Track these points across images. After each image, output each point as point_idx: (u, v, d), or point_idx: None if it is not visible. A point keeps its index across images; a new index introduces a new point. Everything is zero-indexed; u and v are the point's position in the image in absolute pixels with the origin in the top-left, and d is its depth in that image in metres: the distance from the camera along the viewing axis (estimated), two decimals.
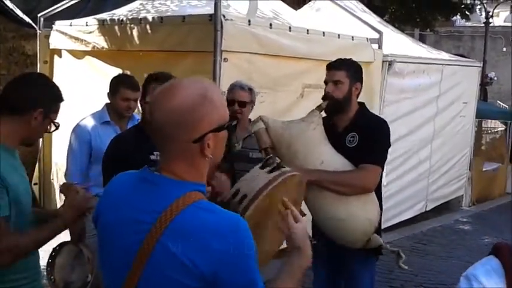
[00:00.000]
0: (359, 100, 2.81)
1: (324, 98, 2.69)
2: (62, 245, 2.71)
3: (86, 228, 2.96)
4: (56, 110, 2.02)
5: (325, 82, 2.73)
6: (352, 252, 2.65)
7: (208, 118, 1.25)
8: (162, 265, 1.20)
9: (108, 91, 3.39)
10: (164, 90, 1.27)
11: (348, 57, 2.83)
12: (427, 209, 6.84)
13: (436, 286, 4.80)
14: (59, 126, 2.04)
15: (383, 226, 5.86)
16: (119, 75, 3.61)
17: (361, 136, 2.63)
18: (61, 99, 2.04)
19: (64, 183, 2.51)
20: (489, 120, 11.28)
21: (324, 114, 2.74)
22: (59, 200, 4.94)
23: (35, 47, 5.69)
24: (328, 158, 2.55)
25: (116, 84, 3.32)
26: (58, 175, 5.17)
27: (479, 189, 8.40)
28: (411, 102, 6.00)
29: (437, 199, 7.07)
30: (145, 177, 1.30)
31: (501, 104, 15.94)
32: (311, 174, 2.45)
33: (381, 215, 2.67)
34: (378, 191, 2.73)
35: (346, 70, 2.68)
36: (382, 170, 2.66)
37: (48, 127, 2.01)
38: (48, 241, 1.99)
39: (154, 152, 2.51)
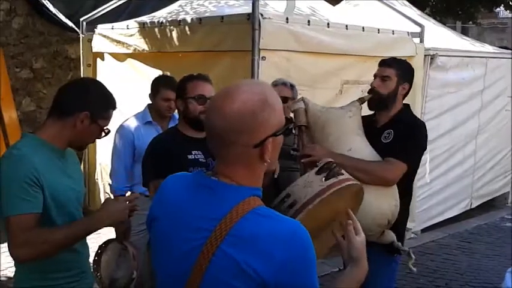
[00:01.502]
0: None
1: (369, 92, 2.74)
2: (107, 242, 2.78)
3: (130, 226, 3.04)
4: (106, 117, 2.03)
5: (374, 76, 2.77)
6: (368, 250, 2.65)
7: (268, 123, 1.24)
8: (222, 272, 1.19)
9: (149, 92, 3.46)
10: (223, 94, 1.26)
11: (388, 57, 2.87)
12: (472, 207, 6.65)
13: (483, 285, 4.67)
14: (109, 132, 2.06)
15: (427, 224, 5.84)
16: (159, 77, 3.69)
17: (396, 133, 2.65)
18: (112, 107, 2.05)
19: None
20: None
21: (366, 108, 2.78)
22: (103, 198, 5.07)
23: (78, 51, 5.86)
24: (356, 147, 2.59)
25: (157, 85, 3.40)
26: (102, 175, 5.31)
27: None
28: (455, 96, 5.84)
29: (482, 196, 6.86)
30: (201, 182, 1.30)
31: None
32: (334, 156, 2.46)
33: (406, 218, 2.77)
34: (407, 195, 2.74)
35: (396, 68, 2.72)
36: (411, 168, 2.62)
37: (100, 133, 2.03)
38: (79, 239, 1.99)
39: (192, 152, 2.55)
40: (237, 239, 1.19)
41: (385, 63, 2.76)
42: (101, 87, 2.08)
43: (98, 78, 5.27)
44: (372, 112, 2.85)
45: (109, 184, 3.58)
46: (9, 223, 1.83)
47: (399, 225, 2.69)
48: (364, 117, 2.83)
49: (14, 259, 1.91)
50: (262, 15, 3.79)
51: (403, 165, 2.58)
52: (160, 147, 2.58)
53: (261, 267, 1.16)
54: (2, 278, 4.17)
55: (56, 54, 6.99)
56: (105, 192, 5.28)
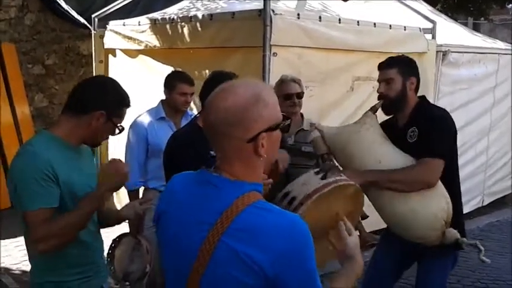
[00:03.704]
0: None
1: (379, 98, 2.67)
2: (121, 236, 2.82)
3: (144, 220, 3.07)
4: (120, 115, 2.05)
5: (379, 82, 2.70)
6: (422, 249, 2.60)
7: (261, 118, 1.28)
8: (224, 264, 1.23)
9: (164, 88, 3.46)
10: (219, 91, 1.31)
11: (399, 53, 2.82)
12: (484, 204, 6.61)
13: (494, 282, 4.65)
14: (123, 130, 2.08)
15: None
16: (174, 72, 3.69)
17: (421, 130, 2.57)
18: (126, 105, 2.07)
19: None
20: None
21: (383, 114, 2.72)
22: (115, 195, 5.11)
23: (90, 47, 5.89)
24: (386, 157, 2.50)
25: (173, 80, 3.41)
26: None
27: None
28: (467, 93, 5.80)
29: (494, 193, 6.81)
30: (205, 178, 1.34)
31: None
32: (366, 175, 2.41)
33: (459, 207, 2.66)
34: (453, 184, 2.66)
35: (396, 67, 2.63)
36: (446, 161, 2.50)
37: (114, 130, 2.04)
38: (85, 221, 1.95)
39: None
40: (238, 231, 1.22)
41: (384, 65, 2.68)
42: (116, 85, 2.09)
43: (110, 75, 5.31)
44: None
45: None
46: (28, 217, 1.87)
47: (456, 218, 2.57)
48: (384, 122, 2.78)
49: (36, 252, 1.93)
50: (273, 11, 3.79)
51: (440, 161, 2.47)
52: (184, 143, 2.57)
53: (261, 258, 1.20)
54: (17, 272, 4.23)
55: (68, 51, 7.04)
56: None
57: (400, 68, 2.63)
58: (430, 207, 2.42)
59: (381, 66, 2.70)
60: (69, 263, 2.01)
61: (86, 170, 2.08)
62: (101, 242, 2.23)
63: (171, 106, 3.44)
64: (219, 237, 1.23)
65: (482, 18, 12.76)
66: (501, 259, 5.20)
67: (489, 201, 6.71)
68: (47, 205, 1.87)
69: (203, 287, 1.26)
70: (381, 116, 2.75)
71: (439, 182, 2.50)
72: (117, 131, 2.05)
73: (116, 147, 5.01)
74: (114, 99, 2.02)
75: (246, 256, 1.20)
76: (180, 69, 4.20)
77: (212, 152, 2.52)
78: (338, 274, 1.44)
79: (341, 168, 2.47)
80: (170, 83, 3.41)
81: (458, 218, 2.75)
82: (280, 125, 1.33)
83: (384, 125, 2.73)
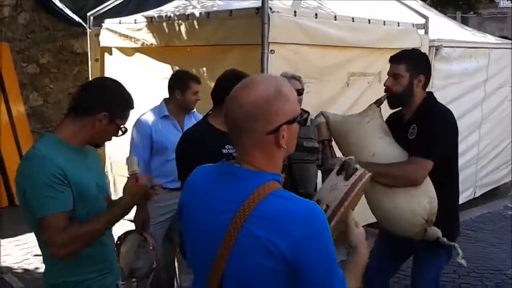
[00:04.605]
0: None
1: (385, 91, 2.70)
2: (126, 233, 2.85)
3: (149, 217, 3.11)
4: (123, 116, 2.05)
5: (388, 74, 2.72)
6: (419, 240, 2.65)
7: (282, 111, 1.34)
8: (247, 249, 1.29)
9: (173, 88, 3.45)
10: (241, 86, 1.37)
11: (393, 49, 2.82)
12: (476, 196, 6.72)
13: (489, 272, 4.74)
14: (126, 131, 2.09)
15: None
16: (183, 72, 3.64)
17: (419, 128, 2.61)
18: (129, 107, 2.08)
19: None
20: None
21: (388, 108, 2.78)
22: (113, 191, 5.13)
23: (84, 45, 5.90)
24: (379, 151, 2.56)
25: (186, 81, 3.41)
26: (112, 168, 5.36)
27: None
28: (459, 87, 5.88)
29: (486, 185, 6.93)
30: (226, 170, 1.41)
31: None
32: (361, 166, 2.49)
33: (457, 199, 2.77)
34: (454, 179, 2.74)
35: (406, 63, 2.64)
36: (439, 161, 2.54)
37: (117, 132, 2.05)
38: (107, 229, 2.04)
39: (226, 146, 2.60)
40: (259, 218, 1.29)
41: (394, 60, 2.69)
42: (119, 87, 2.09)
43: (106, 73, 5.32)
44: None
45: (127, 177, 3.63)
46: (44, 223, 1.87)
47: (449, 214, 2.65)
48: (394, 113, 2.83)
49: (56, 257, 1.94)
50: (271, 9, 3.83)
51: (428, 163, 2.52)
52: (195, 141, 2.61)
53: (281, 243, 1.26)
54: (19, 271, 4.25)
55: (62, 49, 7.04)
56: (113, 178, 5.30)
57: (409, 64, 2.64)
58: (410, 204, 2.49)
59: (392, 60, 2.71)
60: (86, 261, 2.03)
61: (93, 169, 2.10)
62: (113, 238, 2.26)
63: (181, 106, 3.45)
64: (242, 223, 1.29)
65: (471, 12, 12.87)
66: (494, 249, 5.31)
67: (481, 193, 6.82)
68: (62, 209, 1.87)
69: (228, 273, 1.32)
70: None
71: (427, 181, 2.55)
72: (120, 132, 2.06)
73: (114, 145, 5.03)
74: (117, 100, 2.03)
75: (268, 242, 1.26)
76: (176, 68, 4.23)
77: (224, 150, 2.59)
78: (345, 271, 1.46)
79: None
80: (184, 83, 3.40)
81: (455, 212, 2.83)
82: (298, 118, 1.39)
83: (392, 119, 2.79)
